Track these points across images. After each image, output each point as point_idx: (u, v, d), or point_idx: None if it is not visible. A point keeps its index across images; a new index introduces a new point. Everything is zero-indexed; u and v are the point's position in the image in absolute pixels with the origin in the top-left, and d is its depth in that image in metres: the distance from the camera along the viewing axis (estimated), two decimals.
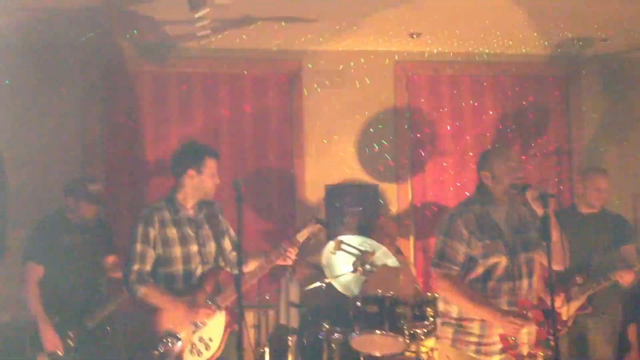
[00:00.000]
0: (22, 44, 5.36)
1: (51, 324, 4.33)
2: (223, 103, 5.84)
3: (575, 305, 4.65)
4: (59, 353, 4.32)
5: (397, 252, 5.25)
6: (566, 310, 4.65)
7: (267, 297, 5.37)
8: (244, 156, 5.86)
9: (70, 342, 4.35)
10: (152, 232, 3.78)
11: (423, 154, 6.07)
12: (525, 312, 3.34)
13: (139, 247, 3.76)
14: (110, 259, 4.70)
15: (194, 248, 3.84)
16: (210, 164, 3.88)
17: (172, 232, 3.81)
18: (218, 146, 5.75)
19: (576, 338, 4.73)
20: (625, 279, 4.52)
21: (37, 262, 4.42)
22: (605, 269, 4.61)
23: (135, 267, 3.74)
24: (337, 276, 4.65)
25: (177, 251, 3.80)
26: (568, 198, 6.03)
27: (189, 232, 3.85)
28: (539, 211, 3.34)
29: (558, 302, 4.58)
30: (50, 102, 5.53)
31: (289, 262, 3.94)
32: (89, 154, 5.60)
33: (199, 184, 3.86)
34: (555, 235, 3.38)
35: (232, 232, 4.08)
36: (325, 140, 5.92)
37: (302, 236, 3.96)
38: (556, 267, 3.40)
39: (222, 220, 4.02)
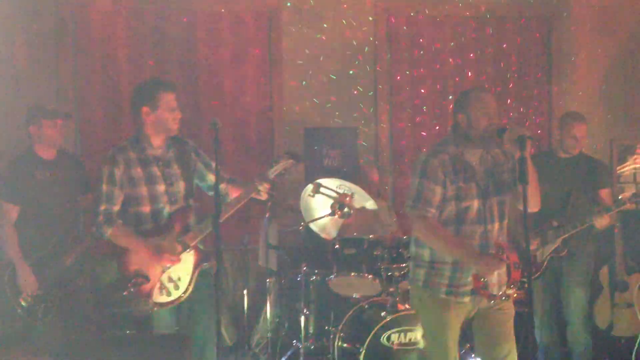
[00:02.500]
0: None
1: (28, 265, 4.32)
2: (200, 41, 5.72)
3: (550, 248, 4.70)
4: (38, 292, 4.32)
5: (376, 195, 5.26)
6: (541, 252, 4.70)
7: (246, 240, 5.37)
8: (222, 97, 5.77)
9: (49, 282, 4.34)
10: (118, 172, 3.72)
11: (402, 96, 6.02)
12: (501, 253, 3.36)
13: (105, 187, 3.72)
14: (86, 197, 4.65)
15: (161, 187, 3.77)
16: (165, 98, 3.75)
17: (138, 171, 3.75)
18: (194, 86, 5.69)
19: (550, 280, 4.80)
20: (601, 222, 4.56)
21: (11, 202, 4.37)
22: (582, 212, 4.65)
23: (102, 207, 3.71)
24: (315, 219, 4.65)
25: (144, 190, 3.74)
26: (546, 142, 6.04)
27: (155, 171, 3.78)
28: (516, 153, 3.32)
29: (533, 244, 4.63)
30: (21, 38, 5.37)
31: (263, 197, 3.89)
32: (61, 91, 5.48)
33: (156, 120, 3.75)
34: (530, 177, 3.37)
35: (214, 165, 4.00)
36: (304, 82, 5.84)
37: (274, 172, 3.91)
38: (530, 209, 3.40)
39: (196, 158, 3.94)
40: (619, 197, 4.67)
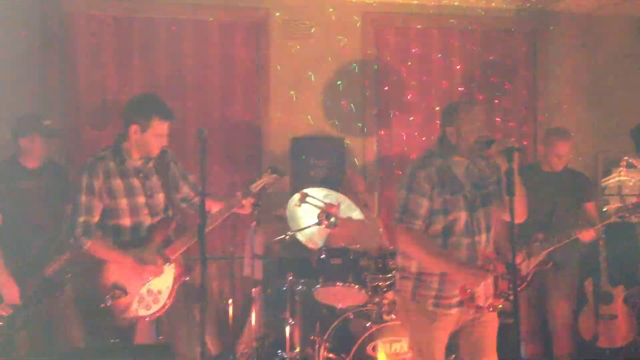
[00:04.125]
0: None
1: (10, 274, 4.26)
2: (188, 50, 5.71)
3: (535, 260, 4.71)
4: (18, 303, 4.26)
5: (363, 206, 5.25)
6: (526, 265, 4.71)
7: (232, 249, 5.34)
8: (209, 106, 5.75)
9: (30, 292, 4.29)
10: (97, 183, 3.66)
11: (390, 107, 6.04)
12: (488, 264, 3.36)
13: (84, 198, 3.66)
14: (70, 207, 4.60)
15: (141, 199, 3.73)
16: (157, 126, 3.68)
17: (117, 182, 3.70)
18: (182, 95, 5.67)
19: (535, 293, 4.81)
20: (586, 235, 4.58)
21: None
22: (567, 225, 4.67)
23: (81, 219, 3.65)
24: (302, 229, 4.64)
25: (124, 202, 3.69)
26: (531, 154, 6.08)
27: (135, 183, 3.74)
28: (503, 165, 3.33)
29: (519, 257, 4.64)
30: (7, 46, 5.34)
31: (245, 212, 3.86)
32: (48, 100, 5.43)
33: (142, 141, 3.70)
34: (517, 189, 3.39)
35: (191, 178, 3.98)
36: (291, 92, 5.84)
37: (256, 186, 3.86)
38: (516, 220, 3.41)
39: (175, 168, 3.91)
40: (604, 210, 4.70)
